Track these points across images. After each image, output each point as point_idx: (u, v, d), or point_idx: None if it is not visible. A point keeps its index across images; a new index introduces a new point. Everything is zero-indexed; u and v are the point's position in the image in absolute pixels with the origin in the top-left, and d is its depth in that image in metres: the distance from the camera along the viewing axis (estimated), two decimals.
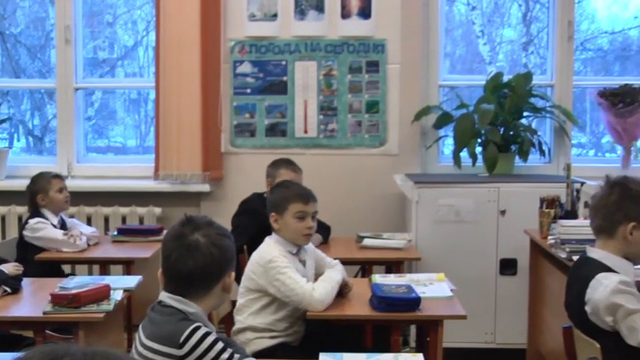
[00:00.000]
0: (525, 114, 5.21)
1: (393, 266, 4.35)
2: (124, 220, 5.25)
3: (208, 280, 2.28)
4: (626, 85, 5.15)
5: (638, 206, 2.74)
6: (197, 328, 2.21)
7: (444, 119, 5.17)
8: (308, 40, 5.20)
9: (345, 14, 5.18)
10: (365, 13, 5.17)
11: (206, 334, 2.21)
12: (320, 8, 5.18)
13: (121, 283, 3.47)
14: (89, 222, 5.14)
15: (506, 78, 5.20)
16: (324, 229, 4.38)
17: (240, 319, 3.34)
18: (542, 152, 5.16)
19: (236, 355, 2.25)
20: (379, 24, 5.17)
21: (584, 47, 5.75)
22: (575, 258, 3.16)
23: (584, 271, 2.79)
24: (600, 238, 2.82)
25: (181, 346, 2.18)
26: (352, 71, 5.20)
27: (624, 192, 2.77)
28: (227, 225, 3.06)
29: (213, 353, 2.20)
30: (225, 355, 2.22)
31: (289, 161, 4.47)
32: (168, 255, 2.28)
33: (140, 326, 2.33)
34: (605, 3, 5.71)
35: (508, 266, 4.72)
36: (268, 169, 4.44)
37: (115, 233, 4.66)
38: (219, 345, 2.22)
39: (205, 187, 5.23)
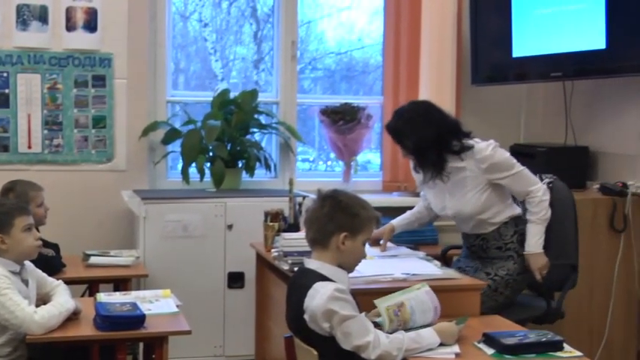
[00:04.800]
0: (252, 130, 5.34)
1: (121, 284, 4.29)
2: None
3: None
4: (347, 103, 5.42)
5: (348, 217, 2.90)
6: None
7: (172, 135, 5.17)
8: (31, 51, 5.00)
9: (70, 27, 5.04)
10: (91, 26, 5.06)
11: None
12: (44, 19, 5.01)
13: None
14: None
15: (234, 95, 5.31)
16: (52, 247, 4.24)
17: None
18: (268, 167, 5.31)
19: None
20: (105, 38, 5.08)
21: (313, 67, 6.00)
22: (296, 269, 3.28)
23: (302, 281, 2.90)
24: (316, 250, 2.96)
25: None
26: (78, 85, 5.07)
27: (335, 204, 2.91)
28: None
29: None
30: None
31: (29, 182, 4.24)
32: None
33: None
34: (332, 25, 5.98)
35: (236, 279, 4.82)
36: (30, 194, 4.12)
37: None
38: None
39: None
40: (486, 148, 3.76)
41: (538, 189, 3.81)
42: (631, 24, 4.63)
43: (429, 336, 2.84)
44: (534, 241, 3.80)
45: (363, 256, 3.00)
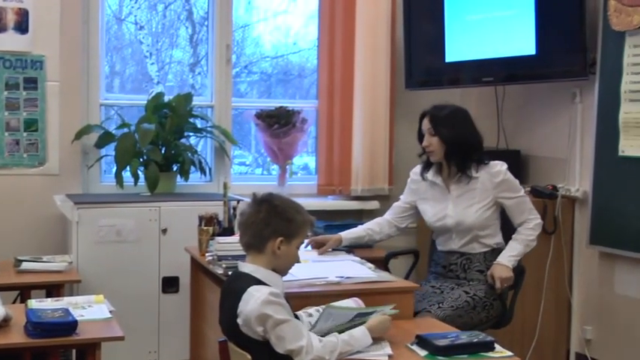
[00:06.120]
0: (187, 134, 5.31)
1: (54, 290, 4.23)
2: None
3: None
4: (281, 107, 5.43)
5: (284, 222, 2.90)
6: None
7: (105, 138, 5.12)
8: None
9: (1, 28, 4.94)
10: (22, 27, 4.98)
11: None
12: None
13: None
14: None
15: (168, 98, 5.28)
16: None
17: None
18: (203, 171, 5.29)
19: None
20: (37, 40, 4.99)
21: (250, 70, 6.00)
22: (230, 273, 3.28)
23: (236, 285, 2.89)
24: (250, 254, 2.95)
25: None
26: (9, 87, 4.97)
27: (271, 209, 2.91)
28: None
29: None
30: None
31: None
32: None
33: None
34: (268, 29, 5.99)
35: (170, 284, 4.78)
36: None
37: None
38: None
39: None
40: (501, 165, 3.90)
41: (535, 218, 3.93)
42: (560, 30, 4.75)
43: (361, 337, 2.86)
44: (508, 255, 3.88)
45: (297, 260, 3.01)
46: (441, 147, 3.87)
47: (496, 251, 3.93)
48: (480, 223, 3.88)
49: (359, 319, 2.95)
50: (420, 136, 3.97)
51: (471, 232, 3.90)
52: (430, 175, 4.00)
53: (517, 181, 3.94)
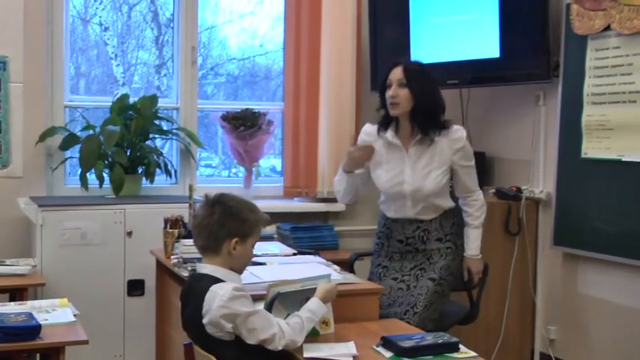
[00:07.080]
0: (152, 136, 5.29)
1: (17, 293, 4.19)
2: None
3: None
4: (247, 109, 5.41)
5: (238, 222, 2.92)
6: None
7: (70, 140, 5.08)
8: None
9: None
10: None
11: None
12: None
13: None
14: None
15: (134, 100, 5.24)
16: None
17: None
18: (168, 173, 5.27)
19: None
20: (0, 40, 4.95)
21: (216, 72, 5.98)
22: (189, 276, 3.29)
23: (197, 286, 2.90)
24: (206, 256, 2.97)
25: None
26: None
27: (225, 210, 2.92)
28: None
29: None
30: None
31: None
32: None
33: None
34: (234, 30, 5.98)
35: (135, 287, 4.76)
36: None
37: None
38: None
39: None
40: (462, 130, 3.79)
41: (480, 192, 3.93)
42: (524, 34, 4.80)
43: (318, 308, 2.95)
44: (476, 245, 3.90)
45: (252, 257, 3.07)
46: (409, 101, 3.69)
47: (448, 213, 3.85)
48: (436, 190, 3.76)
49: (305, 295, 3.02)
50: (383, 88, 3.80)
51: (427, 199, 3.78)
52: (389, 134, 3.80)
53: (472, 151, 3.86)
